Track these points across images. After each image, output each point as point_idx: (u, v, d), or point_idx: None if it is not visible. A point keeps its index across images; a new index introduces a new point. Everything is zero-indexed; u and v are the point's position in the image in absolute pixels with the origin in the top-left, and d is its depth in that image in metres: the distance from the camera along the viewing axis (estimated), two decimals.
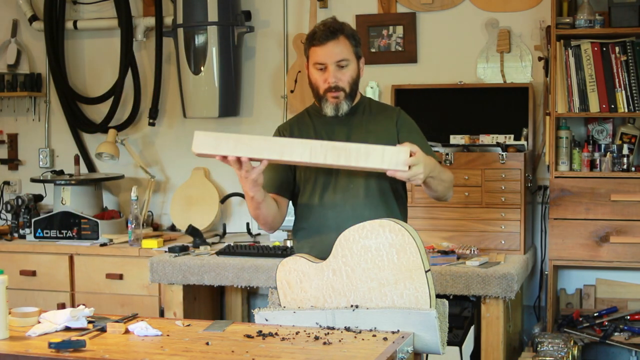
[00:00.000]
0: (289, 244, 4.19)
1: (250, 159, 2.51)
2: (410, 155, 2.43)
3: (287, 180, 2.82)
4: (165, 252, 4.15)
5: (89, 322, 2.55)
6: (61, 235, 4.52)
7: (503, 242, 3.94)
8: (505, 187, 3.93)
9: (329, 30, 2.73)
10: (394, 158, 2.43)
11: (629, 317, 4.06)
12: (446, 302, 2.57)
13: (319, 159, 2.48)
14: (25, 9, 5.04)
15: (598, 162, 4.04)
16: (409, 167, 2.42)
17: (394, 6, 4.53)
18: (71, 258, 4.43)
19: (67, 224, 4.51)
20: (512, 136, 4.20)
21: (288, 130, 2.86)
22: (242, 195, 4.66)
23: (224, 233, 4.63)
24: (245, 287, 4.06)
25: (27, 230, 4.61)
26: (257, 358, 2.21)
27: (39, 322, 2.54)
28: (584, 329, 4.02)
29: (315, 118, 2.82)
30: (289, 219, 2.87)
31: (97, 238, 4.47)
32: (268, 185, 2.77)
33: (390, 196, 2.76)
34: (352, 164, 2.47)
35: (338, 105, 2.74)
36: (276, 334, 2.43)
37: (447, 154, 3.97)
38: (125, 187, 4.96)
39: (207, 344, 2.35)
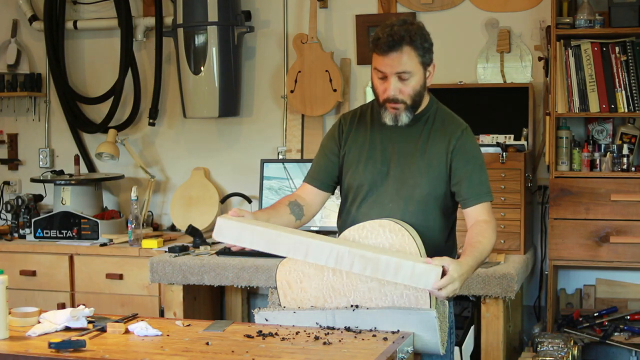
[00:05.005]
0: None
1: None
2: (444, 274, 2.31)
3: (331, 176, 2.74)
4: (165, 252, 4.15)
5: (89, 322, 2.55)
6: (61, 235, 4.52)
7: (503, 242, 3.94)
8: (505, 187, 3.93)
9: (392, 40, 2.50)
10: (423, 277, 2.32)
11: (629, 317, 4.07)
12: (446, 302, 2.57)
13: (344, 266, 2.39)
14: (25, 9, 5.04)
15: (598, 162, 4.04)
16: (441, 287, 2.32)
17: (394, 6, 4.54)
18: (71, 258, 4.43)
19: (67, 224, 4.51)
20: (512, 136, 4.20)
21: (348, 122, 2.73)
22: (242, 195, 4.67)
23: None
24: (245, 287, 4.06)
25: (27, 230, 4.61)
26: (257, 358, 2.21)
27: (39, 322, 2.54)
28: (584, 329, 4.02)
29: (377, 119, 2.67)
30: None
31: (97, 238, 4.47)
32: (309, 176, 2.74)
33: (437, 214, 2.66)
34: (379, 277, 2.38)
35: (397, 116, 2.57)
36: (276, 334, 2.43)
37: None
38: (125, 187, 4.96)
39: (207, 344, 2.35)
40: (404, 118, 2.59)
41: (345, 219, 2.71)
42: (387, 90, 2.55)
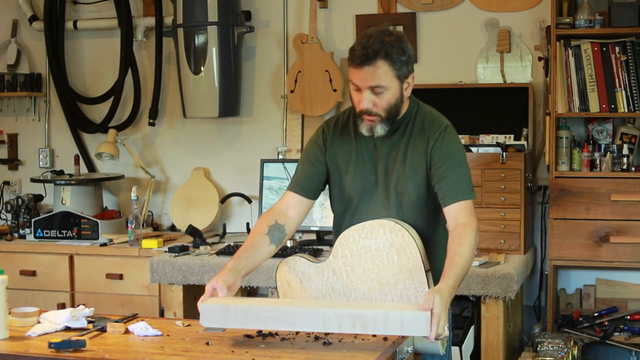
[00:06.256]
0: (289, 244, 4.19)
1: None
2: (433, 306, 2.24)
3: (315, 183, 2.70)
4: (165, 252, 4.15)
5: (89, 322, 2.55)
6: (61, 235, 4.52)
7: (503, 242, 3.94)
8: (505, 187, 3.93)
9: (366, 53, 2.44)
10: (413, 325, 2.25)
11: (629, 317, 4.07)
12: None
13: (333, 328, 2.32)
14: (25, 9, 5.04)
15: (598, 162, 4.04)
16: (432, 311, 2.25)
17: (394, 6, 4.53)
18: (71, 258, 4.43)
19: (67, 224, 4.51)
20: (512, 136, 4.20)
21: (331, 129, 2.69)
22: (242, 195, 4.67)
23: (224, 233, 4.63)
24: (245, 287, 4.06)
25: (27, 230, 4.61)
26: (257, 358, 2.21)
27: (39, 322, 2.54)
28: (584, 329, 4.02)
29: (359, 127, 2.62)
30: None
31: (97, 238, 4.47)
32: (294, 184, 2.70)
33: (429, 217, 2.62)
34: (370, 332, 2.32)
35: (372, 127, 2.53)
36: (276, 334, 2.43)
37: None
38: (125, 187, 4.96)
39: (207, 344, 2.35)
40: (379, 130, 2.54)
41: (339, 230, 2.67)
42: (361, 102, 2.51)
